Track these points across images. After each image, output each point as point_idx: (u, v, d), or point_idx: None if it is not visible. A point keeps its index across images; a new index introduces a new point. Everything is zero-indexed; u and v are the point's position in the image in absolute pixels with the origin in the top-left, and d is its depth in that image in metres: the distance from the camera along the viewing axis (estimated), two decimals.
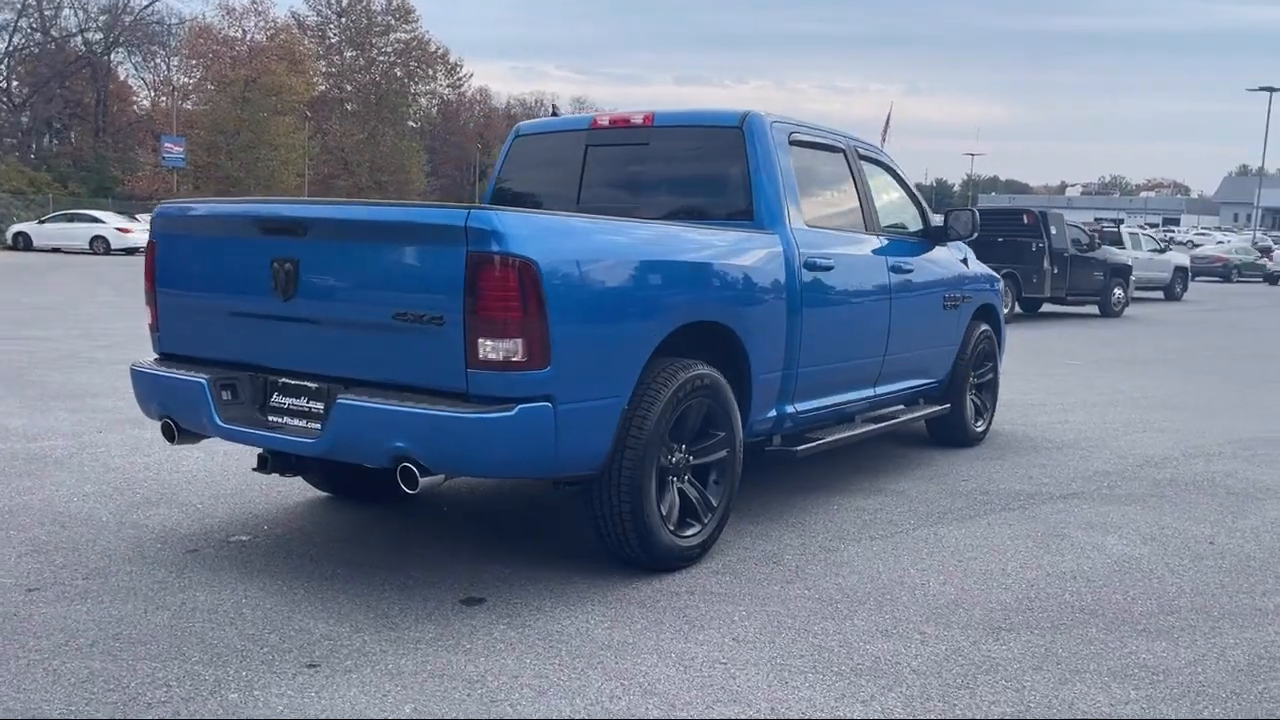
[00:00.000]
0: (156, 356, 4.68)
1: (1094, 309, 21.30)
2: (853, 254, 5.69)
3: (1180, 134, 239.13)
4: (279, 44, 63.16)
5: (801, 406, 5.33)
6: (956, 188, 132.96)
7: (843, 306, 5.56)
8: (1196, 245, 42.55)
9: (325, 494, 5.51)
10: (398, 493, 5.18)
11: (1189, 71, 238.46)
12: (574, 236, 3.97)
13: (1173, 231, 47.40)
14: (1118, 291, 21.23)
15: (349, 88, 74.51)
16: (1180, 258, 27.51)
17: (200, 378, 4.26)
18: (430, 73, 77.16)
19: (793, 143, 5.42)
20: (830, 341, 5.41)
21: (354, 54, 74.80)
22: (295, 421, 4.13)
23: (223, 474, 5.94)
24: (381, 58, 74.85)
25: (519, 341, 3.62)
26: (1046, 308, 20.55)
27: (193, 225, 4.47)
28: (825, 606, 4.13)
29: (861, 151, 6.23)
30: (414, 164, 72.43)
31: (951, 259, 6.97)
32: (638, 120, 5.55)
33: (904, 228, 6.59)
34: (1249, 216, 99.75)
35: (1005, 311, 17.77)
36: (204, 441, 4.49)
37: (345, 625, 3.79)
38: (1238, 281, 36.67)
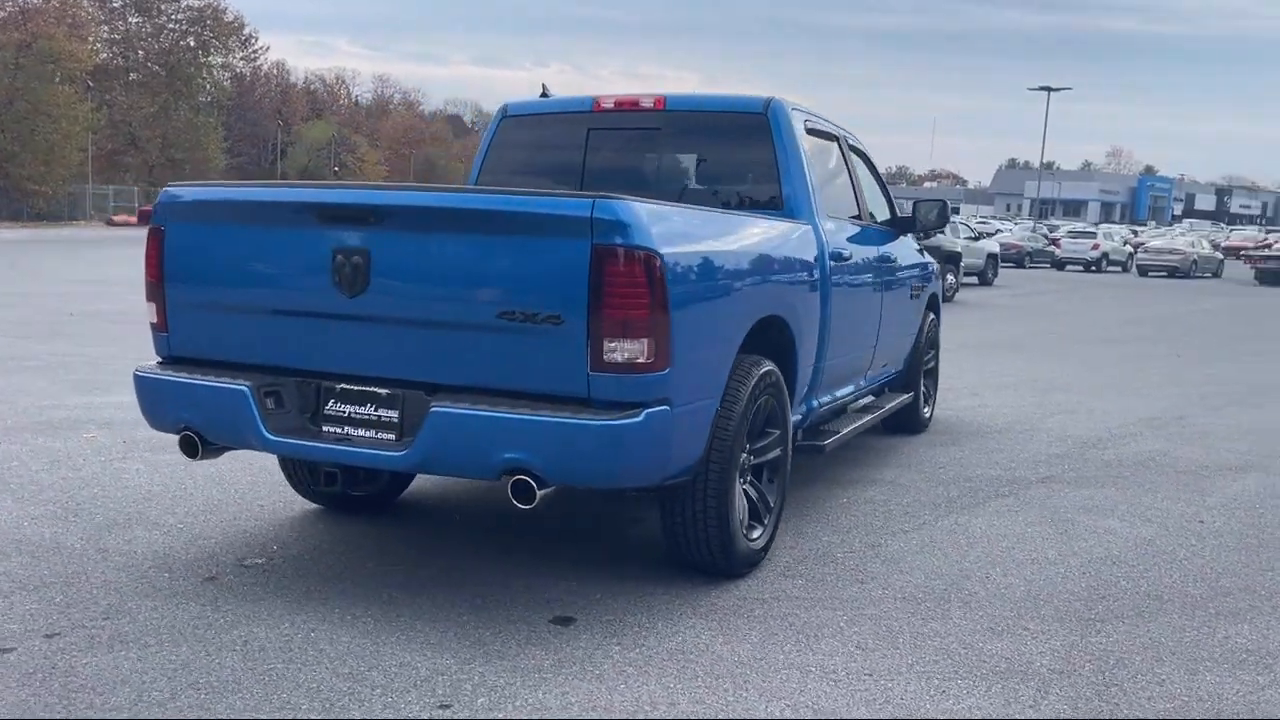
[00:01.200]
0: (160, 360, 4.11)
1: None
2: (860, 244, 5.65)
3: (960, 129, 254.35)
4: (55, 6, 58.09)
5: (823, 399, 5.27)
6: None
7: (856, 298, 5.52)
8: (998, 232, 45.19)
9: (312, 506, 5.03)
10: (390, 503, 4.79)
11: (966, 72, 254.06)
12: (684, 226, 3.72)
13: (986, 221, 50.24)
14: (950, 278, 22.25)
15: (137, 55, 69.49)
16: (992, 245, 29.17)
17: (241, 384, 3.76)
18: (225, 44, 72.86)
19: (808, 130, 5.31)
20: (846, 333, 5.35)
21: (140, 20, 69.79)
22: (361, 432, 3.71)
23: (177, 487, 5.34)
24: (171, 25, 70.14)
25: (646, 342, 3.36)
26: None
27: (218, 212, 3.94)
28: (915, 606, 4.06)
29: (850, 141, 6.19)
30: (211, 141, 68.26)
31: (913, 249, 7.06)
32: (647, 103, 5.30)
33: (875, 218, 6.62)
34: (1020, 206, 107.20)
35: None
36: (139, 451, 3.93)
37: (446, 656, 3.44)
38: (1030, 266, 39.22)
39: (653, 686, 3.27)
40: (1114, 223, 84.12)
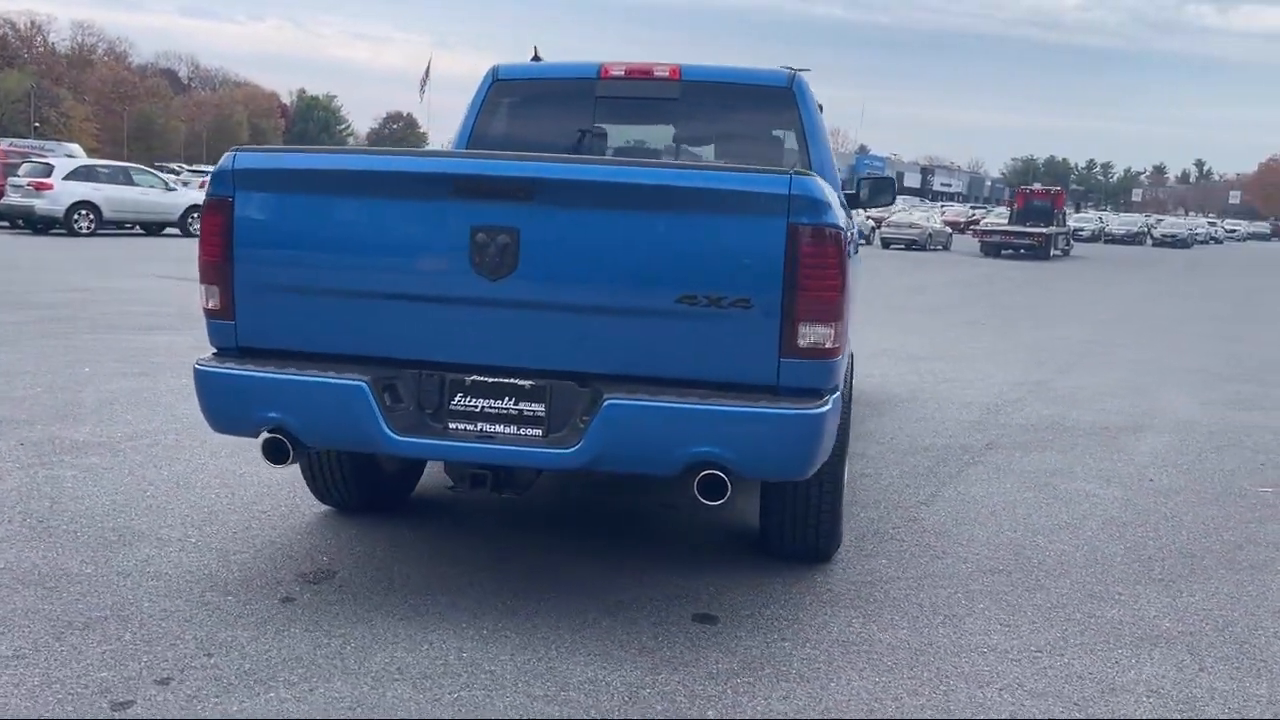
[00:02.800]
0: (216, 351, 3.56)
1: None
2: (854, 223, 5.70)
3: None
4: None
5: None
6: None
7: (858, 277, 5.56)
8: None
9: (322, 509, 4.55)
10: (401, 503, 4.40)
11: (694, 46, 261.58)
12: (838, 203, 3.60)
13: None
14: None
15: None
16: None
17: (357, 379, 3.31)
18: None
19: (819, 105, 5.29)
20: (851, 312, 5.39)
21: None
22: (499, 428, 3.36)
23: (141, 495, 4.68)
24: None
25: (836, 325, 3.24)
26: None
27: (313, 182, 3.42)
28: (1007, 578, 4.18)
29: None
30: None
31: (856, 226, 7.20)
32: (662, 73, 5.09)
33: None
34: None
35: None
36: (62, 455, 3.46)
37: (626, 667, 3.21)
38: None
39: (858, 681, 3.19)
40: None
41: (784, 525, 3.98)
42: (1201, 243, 59.52)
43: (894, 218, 39.98)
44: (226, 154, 3.47)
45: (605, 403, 3.17)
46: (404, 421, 3.34)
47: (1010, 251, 35.95)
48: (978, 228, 41.54)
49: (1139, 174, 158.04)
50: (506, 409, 3.36)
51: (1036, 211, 38.70)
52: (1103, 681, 3.27)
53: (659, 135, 5.26)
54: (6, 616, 3.35)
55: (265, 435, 3.40)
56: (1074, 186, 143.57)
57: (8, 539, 4.05)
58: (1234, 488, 5.79)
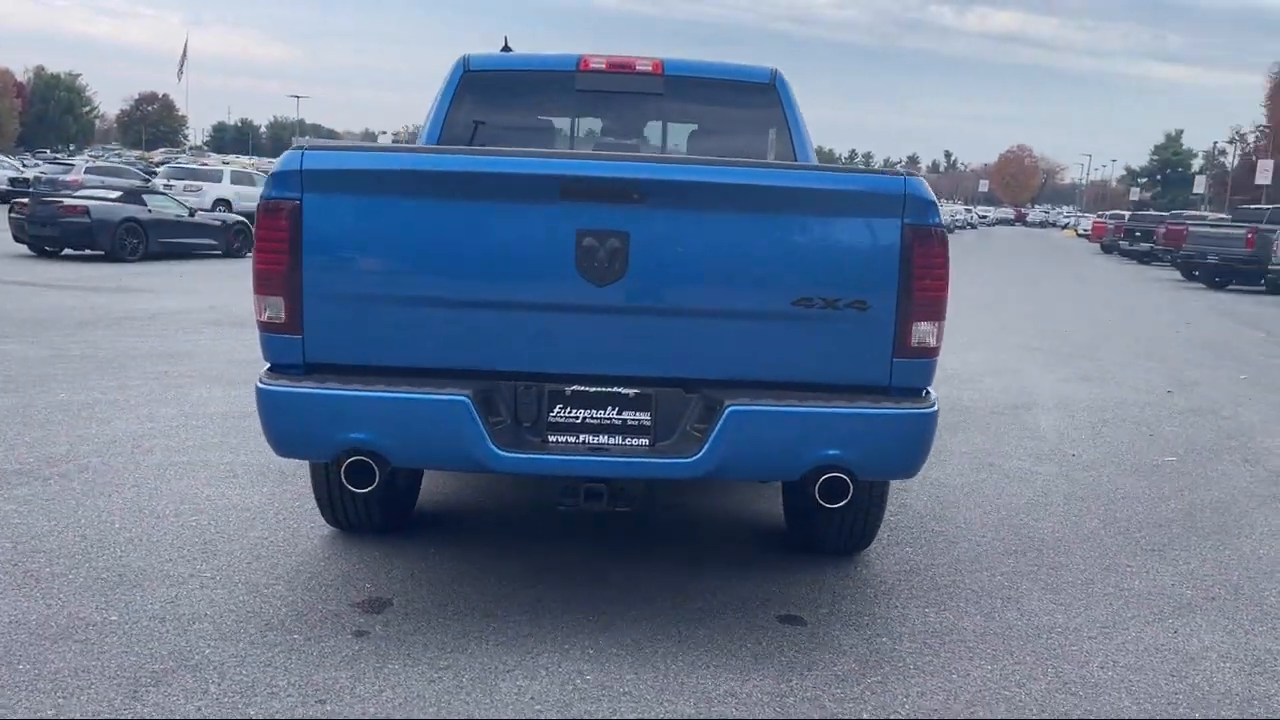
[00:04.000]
0: (272, 367, 3.25)
1: None
2: None
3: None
4: None
5: None
6: (263, 129, 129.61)
7: None
8: None
9: (328, 531, 4.25)
10: (406, 521, 4.21)
11: (448, 28, 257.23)
12: None
13: None
14: None
15: None
16: None
17: (459, 393, 3.10)
18: None
19: None
20: None
21: None
22: (604, 439, 3.24)
23: (116, 521, 4.24)
24: None
25: (940, 324, 3.30)
26: None
27: (395, 183, 3.15)
28: (1039, 555, 4.38)
29: None
30: None
31: None
32: (645, 67, 5.00)
33: None
34: None
35: None
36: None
37: (759, 676, 3.17)
38: None
39: (975, 671, 3.28)
40: None
41: (832, 521, 4.01)
42: (960, 228, 63.87)
43: None
44: (290, 152, 3.17)
45: (727, 409, 3.10)
46: (505, 437, 3.16)
47: None
48: None
49: (895, 163, 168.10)
50: (609, 419, 3.24)
51: None
52: (1179, 651, 3.49)
53: (644, 130, 5.17)
54: (56, 677, 2.96)
55: (350, 459, 3.13)
56: None
57: (11, 583, 3.56)
58: (1144, 461, 6.28)
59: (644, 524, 4.56)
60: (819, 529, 4.10)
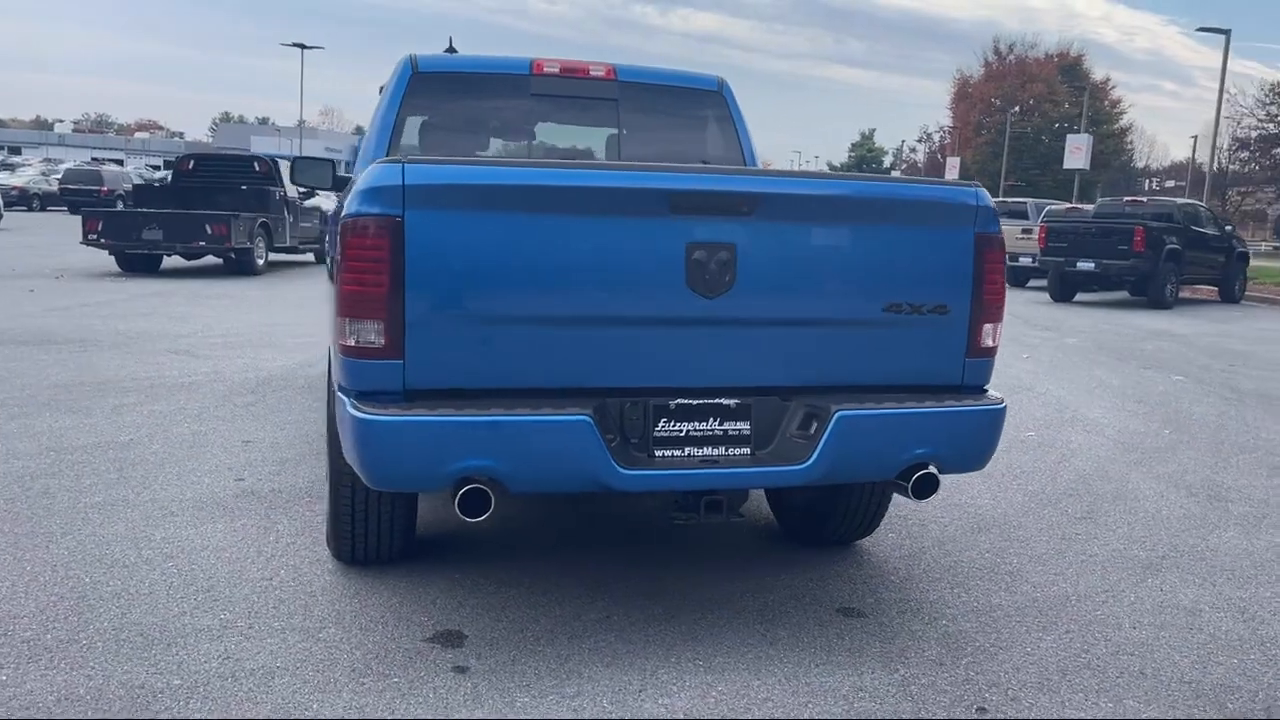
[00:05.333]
0: (361, 394, 3.05)
1: (311, 257, 21.63)
2: None
3: (165, 78, 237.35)
4: None
5: None
6: None
7: None
8: None
9: (331, 566, 4.01)
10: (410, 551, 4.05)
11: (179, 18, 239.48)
12: None
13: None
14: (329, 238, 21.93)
15: None
16: (328, 204, 29.08)
17: (581, 413, 3.03)
18: None
19: None
20: None
21: None
22: (707, 450, 3.26)
23: (85, 575, 3.79)
24: None
25: (999, 325, 3.56)
26: (276, 257, 20.33)
27: (504, 198, 3.01)
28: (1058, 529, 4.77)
29: None
30: None
31: None
32: (599, 72, 5.00)
33: None
34: None
35: (261, 262, 17.29)
36: None
37: (871, 669, 3.31)
38: None
39: (1042, 641, 3.56)
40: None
41: (836, 514, 4.20)
42: None
43: None
44: (386, 165, 2.98)
45: (835, 415, 3.21)
46: (620, 455, 3.12)
47: None
48: None
49: None
50: (712, 430, 3.27)
51: None
52: (1178, 606, 3.94)
53: (597, 134, 5.14)
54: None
55: (466, 487, 2.99)
56: None
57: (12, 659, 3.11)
58: (1013, 438, 6.91)
59: (647, 532, 4.57)
60: (831, 522, 4.28)
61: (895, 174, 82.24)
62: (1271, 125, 57.52)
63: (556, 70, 4.94)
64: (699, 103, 5.15)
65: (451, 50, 5.10)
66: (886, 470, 3.34)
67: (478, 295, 3.02)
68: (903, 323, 3.34)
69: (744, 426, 3.28)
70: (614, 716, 2.93)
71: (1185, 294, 20.06)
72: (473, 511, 3.02)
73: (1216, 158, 61.03)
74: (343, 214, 3.04)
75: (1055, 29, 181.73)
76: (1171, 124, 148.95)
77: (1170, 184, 71.13)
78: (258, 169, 19.29)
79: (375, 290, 2.95)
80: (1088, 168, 40.56)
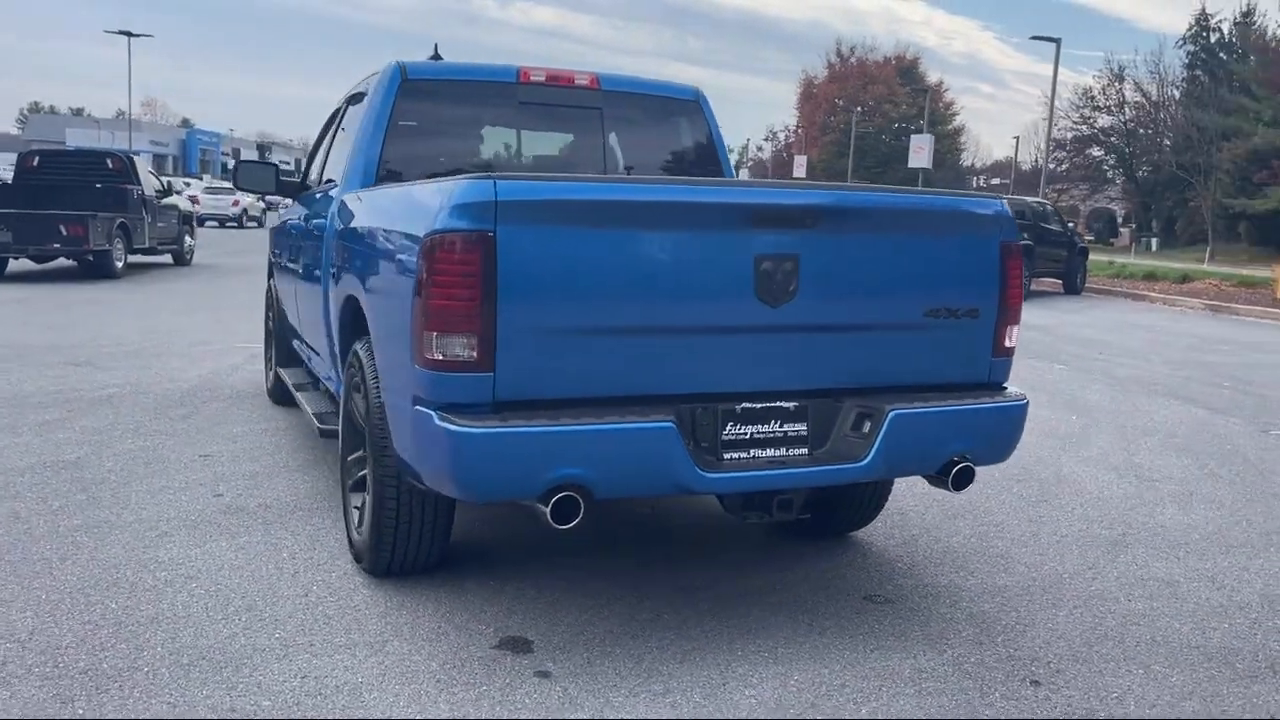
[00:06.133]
0: (446, 407, 3.08)
1: (169, 259, 20.69)
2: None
3: None
4: None
5: None
6: None
7: None
8: None
9: (357, 581, 3.99)
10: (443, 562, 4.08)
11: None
12: None
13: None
14: (189, 239, 21.11)
15: None
16: (186, 203, 27.88)
17: (665, 419, 3.15)
18: None
19: None
20: None
21: None
22: (771, 452, 3.42)
23: (109, 598, 3.67)
24: None
25: (1018, 327, 3.83)
26: (133, 259, 19.37)
27: (590, 213, 3.09)
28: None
29: None
30: None
31: None
32: (583, 80, 5.09)
33: None
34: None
35: (120, 265, 16.58)
36: None
37: (917, 652, 3.54)
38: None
39: (1069, 617, 3.86)
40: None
41: (846, 506, 4.43)
42: None
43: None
44: (475, 181, 3.02)
45: (889, 414, 3.42)
46: (698, 459, 3.25)
47: None
48: None
49: None
50: (773, 432, 3.43)
51: None
52: (1168, 580, 4.31)
53: (583, 143, 5.21)
54: None
55: (559, 495, 3.06)
56: None
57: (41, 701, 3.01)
58: None
59: (659, 533, 4.69)
60: (839, 514, 4.49)
61: (743, 173, 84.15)
62: (1085, 127, 61.60)
63: (543, 78, 5.00)
64: (678, 112, 5.29)
65: (437, 58, 5.08)
66: (931, 464, 3.56)
67: (564, 307, 3.09)
68: (940, 326, 3.57)
69: (802, 428, 3.45)
70: (713, 714, 3.04)
71: (1034, 286, 21.33)
72: (564, 519, 3.08)
73: (1036, 157, 64.71)
74: (430, 229, 3.05)
75: (882, 32, 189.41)
76: (989, 125, 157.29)
77: (995, 181, 75.17)
78: (111, 166, 18.39)
79: (467, 305, 2.99)
80: (931, 167, 42.51)
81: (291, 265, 5.90)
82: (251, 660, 3.26)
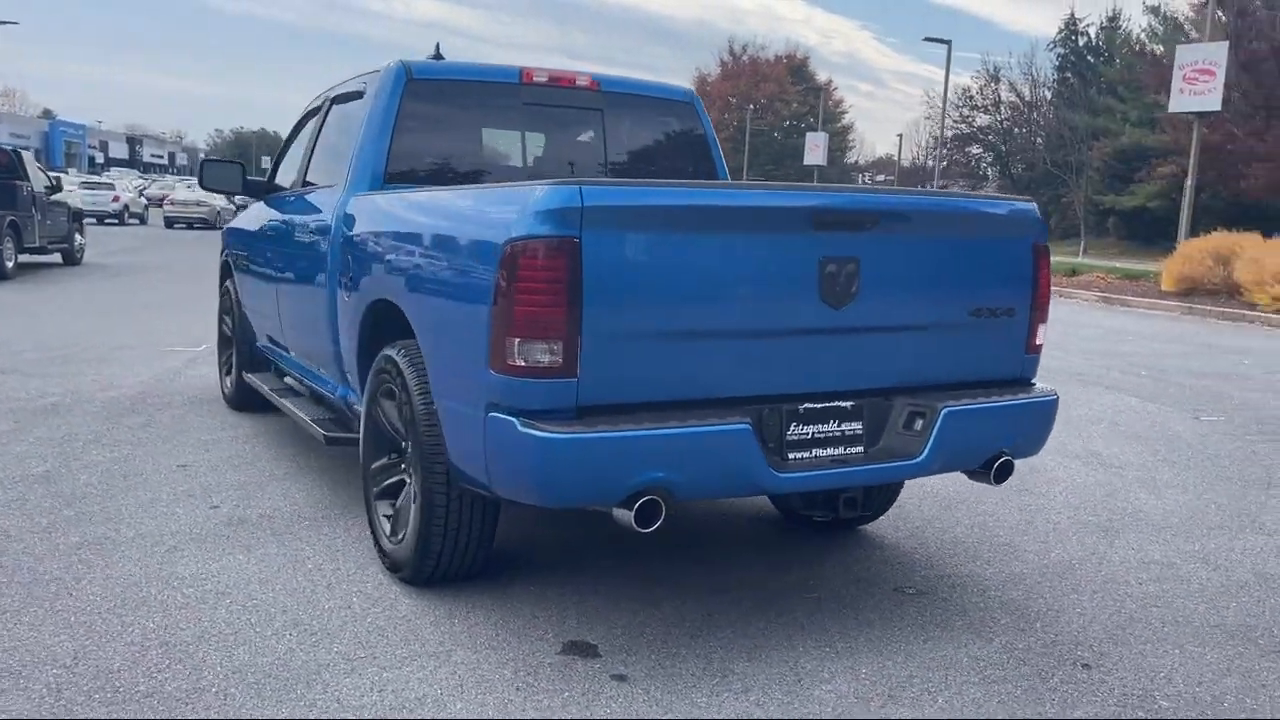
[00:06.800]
0: (529, 414, 3.06)
1: (59, 258, 19.80)
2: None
3: None
4: None
5: None
6: None
7: None
8: None
9: (393, 594, 3.94)
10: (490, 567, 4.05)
11: None
12: None
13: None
14: (79, 237, 20.23)
15: None
16: (76, 199, 26.61)
17: (742, 423, 3.19)
18: None
19: None
20: None
21: None
22: (831, 451, 3.50)
23: (146, 621, 3.54)
24: None
25: (1046, 325, 3.99)
26: (22, 258, 18.45)
27: (670, 218, 3.10)
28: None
29: None
30: None
31: None
32: (583, 81, 5.09)
33: None
34: None
35: (11, 265, 15.85)
36: None
37: (966, 643, 3.67)
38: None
39: (1095, 600, 4.03)
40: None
41: (868, 501, 4.54)
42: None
43: (177, 195, 37.68)
44: (560, 188, 3.01)
45: (942, 411, 3.53)
46: (770, 459, 3.30)
47: None
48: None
49: None
50: (832, 432, 3.50)
51: None
52: (1157, 561, 4.54)
53: (591, 144, 5.19)
54: None
55: (643, 499, 3.08)
56: None
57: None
58: None
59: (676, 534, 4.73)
60: (859, 508, 4.59)
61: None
62: (964, 126, 63.85)
63: (545, 79, 4.98)
64: (673, 113, 5.33)
65: (439, 57, 5.00)
66: (978, 459, 3.69)
67: (646, 312, 3.11)
68: (982, 325, 3.70)
69: (858, 426, 3.53)
70: (799, 711, 3.09)
71: None
72: (646, 522, 3.10)
73: (916, 154, 66.55)
74: (511, 235, 3.02)
75: (764, 30, 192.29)
76: (870, 123, 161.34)
77: (881, 178, 77.23)
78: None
79: (554, 311, 2.98)
80: (826, 164, 43.45)
81: (269, 269, 5.73)
82: (320, 676, 3.18)
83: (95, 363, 8.55)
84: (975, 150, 64.27)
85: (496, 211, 3.19)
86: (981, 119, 62.51)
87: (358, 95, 5.02)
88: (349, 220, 4.44)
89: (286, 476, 5.38)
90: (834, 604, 3.90)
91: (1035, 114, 60.76)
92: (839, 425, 3.50)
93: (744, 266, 3.24)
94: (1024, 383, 3.90)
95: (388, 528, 3.99)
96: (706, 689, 3.19)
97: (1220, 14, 24.59)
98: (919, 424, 3.55)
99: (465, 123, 4.91)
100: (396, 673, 3.23)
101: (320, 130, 5.49)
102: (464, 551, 3.74)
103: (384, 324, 4.02)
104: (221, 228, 7.99)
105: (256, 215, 6.25)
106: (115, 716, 2.92)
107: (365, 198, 4.42)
